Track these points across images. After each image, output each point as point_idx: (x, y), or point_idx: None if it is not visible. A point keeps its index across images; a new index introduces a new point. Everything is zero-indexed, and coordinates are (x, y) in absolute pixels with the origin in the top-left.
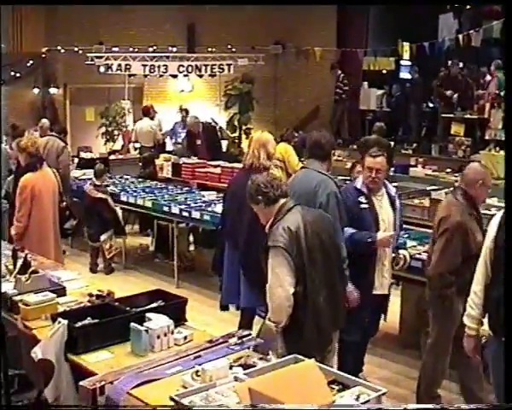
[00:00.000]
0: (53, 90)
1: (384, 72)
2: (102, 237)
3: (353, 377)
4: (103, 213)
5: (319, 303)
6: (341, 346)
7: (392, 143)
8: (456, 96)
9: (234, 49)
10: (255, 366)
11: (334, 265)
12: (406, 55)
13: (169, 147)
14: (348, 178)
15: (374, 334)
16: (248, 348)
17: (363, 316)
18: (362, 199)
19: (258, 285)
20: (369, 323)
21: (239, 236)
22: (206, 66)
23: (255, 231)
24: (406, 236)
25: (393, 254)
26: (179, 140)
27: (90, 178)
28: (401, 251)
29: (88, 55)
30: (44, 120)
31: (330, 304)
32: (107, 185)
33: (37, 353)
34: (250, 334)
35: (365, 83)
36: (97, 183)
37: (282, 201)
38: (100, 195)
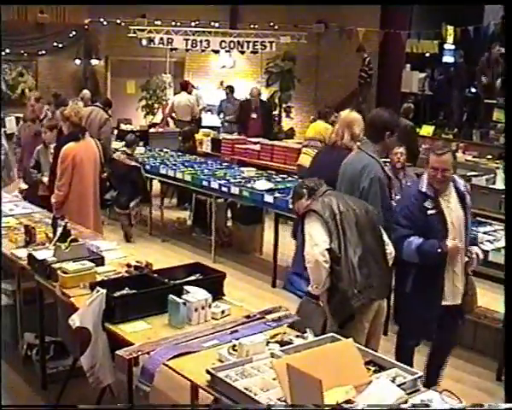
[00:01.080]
0: (94, 62)
1: (427, 55)
2: (131, 204)
3: (390, 359)
4: (136, 181)
5: (354, 260)
6: (400, 349)
7: (433, 128)
8: (499, 81)
9: (276, 27)
10: (292, 343)
11: (372, 234)
12: (450, 39)
13: (206, 122)
14: (388, 160)
15: (453, 344)
16: (290, 326)
17: (428, 327)
18: (428, 204)
19: None
20: (443, 335)
21: None
22: (248, 42)
23: None
24: None
25: (466, 259)
26: (226, 117)
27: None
28: (473, 249)
29: (130, 27)
30: (85, 91)
31: (367, 266)
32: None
33: (74, 320)
34: (287, 311)
35: (408, 65)
36: (129, 152)
37: (320, 189)
38: (133, 163)
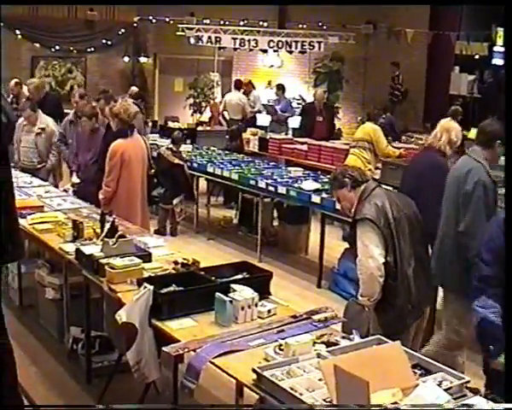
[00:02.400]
0: (143, 59)
1: (476, 57)
2: (175, 201)
3: (436, 363)
4: (178, 178)
5: (409, 274)
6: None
7: None
8: None
9: (325, 27)
10: (338, 345)
11: (421, 240)
12: (500, 41)
13: (260, 122)
14: None
15: None
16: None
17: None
18: None
19: None
20: None
21: None
22: (296, 42)
23: (428, 207)
24: None
25: None
26: (274, 118)
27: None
28: None
29: (179, 25)
30: (133, 88)
31: (419, 276)
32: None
33: (121, 316)
34: (334, 312)
35: (456, 67)
36: (174, 149)
37: (366, 184)
38: (177, 160)
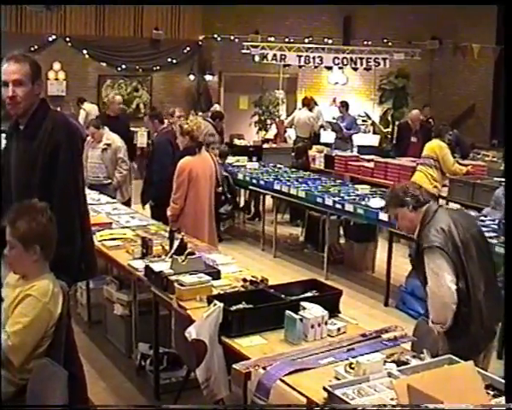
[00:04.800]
0: (208, 78)
1: None
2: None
3: None
4: (224, 191)
5: (480, 298)
6: None
7: None
8: None
9: (390, 44)
10: (408, 364)
11: (488, 258)
12: None
13: (324, 139)
14: (503, 179)
15: None
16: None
17: None
18: None
19: None
20: None
21: None
22: (361, 59)
23: None
24: None
25: None
26: (339, 135)
27: (243, 165)
28: None
29: (244, 43)
30: (216, 105)
31: (490, 298)
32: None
33: (191, 333)
34: (403, 330)
35: None
36: (220, 162)
37: (427, 205)
38: (225, 173)
